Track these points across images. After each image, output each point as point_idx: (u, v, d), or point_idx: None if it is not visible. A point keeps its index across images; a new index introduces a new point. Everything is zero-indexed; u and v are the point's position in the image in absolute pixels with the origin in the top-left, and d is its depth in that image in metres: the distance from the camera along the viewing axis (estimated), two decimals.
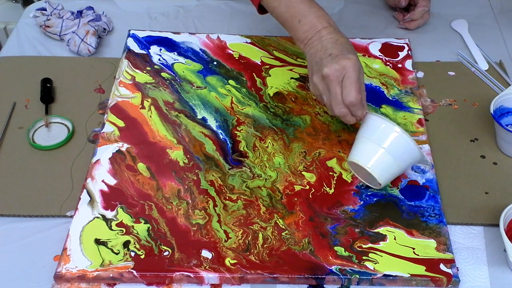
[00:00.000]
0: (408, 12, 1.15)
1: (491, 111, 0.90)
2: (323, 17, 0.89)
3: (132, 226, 0.79)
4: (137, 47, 1.07)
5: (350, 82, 0.82)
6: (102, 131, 0.92)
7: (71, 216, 0.81)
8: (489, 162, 0.91)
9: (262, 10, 0.97)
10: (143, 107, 0.96)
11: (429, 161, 0.84)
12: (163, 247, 0.77)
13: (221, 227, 0.80)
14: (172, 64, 1.04)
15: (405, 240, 0.79)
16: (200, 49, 1.07)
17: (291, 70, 1.04)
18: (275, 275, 0.75)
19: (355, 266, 0.76)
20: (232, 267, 0.75)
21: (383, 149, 0.81)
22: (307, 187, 0.85)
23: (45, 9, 1.13)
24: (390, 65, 1.05)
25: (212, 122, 0.94)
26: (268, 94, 0.99)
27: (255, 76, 1.02)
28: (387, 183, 0.84)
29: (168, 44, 1.08)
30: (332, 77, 0.83)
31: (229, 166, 0.87)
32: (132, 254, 0.76)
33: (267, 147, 0.90)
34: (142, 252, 0.77)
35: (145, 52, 1.06)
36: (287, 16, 0.91)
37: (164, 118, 0.94)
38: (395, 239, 0.79)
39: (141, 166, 0.87)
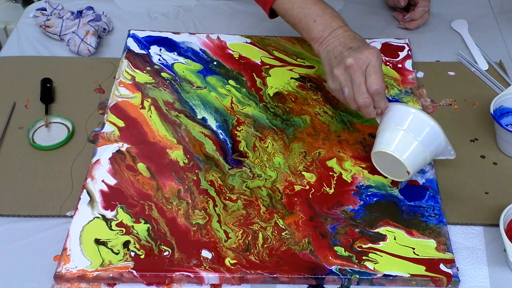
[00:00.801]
0: (408, 12, 1.15)
1: (491, 111, 0.90)
2: (337, 17, 0.91)
3: (132, 226, 0.79)
4: (137, 47, 1.07)
5: (374, 70, 0.83)
6: (102, 131, 0.92)
7: (71, 216, 0.81)
8: (489, 162, 0.91)
9: (272, 15, 0.98)
10: (143, 107, 0.96)
11: (453, 152, 0.83)
12: (163, 247, 0.77)
13: (221, 227, 0.80)
14: (172, 64, 1.04)
15: (405, 240, 0.79)
16: (200, 49, 1.07)
17: (291, 70, 1.04)
18: (275, 275, 0.75)
19: (355, 266, 0.76)
20: (232, 267, 0.75)
21: (417, 141, 0.81)
22: (307, 187, 0.85)
23: (45, 9, 1.13)
24: (390, 65, 1.05)
25: (212, 122, 0.94)
26: (268, 94, 0.99)
27: (255, 76, 1.02)
28: (407, 173, 0.83)
29: (168, 44, 1.08)
30: (356, 66, 0.83)
31: (229, 166, 0.87)
32: (132, 254, 0.76)
33: (267, 147, 0.90)
34: (142, 252, 0.77)
35: (145, 52, 1.06)
36: (301, 16, 0.92)
37: (164, 118, 0.94)
38: (395, 239, 0.79)
39: (141, 166, 0.87)
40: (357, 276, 0.75)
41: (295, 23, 0.94)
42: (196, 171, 0.87)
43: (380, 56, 0.85)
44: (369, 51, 0.84)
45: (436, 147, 0.82)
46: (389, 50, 1.08)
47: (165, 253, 0.77)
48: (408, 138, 0.81)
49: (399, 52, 1.08)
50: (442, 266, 0.76)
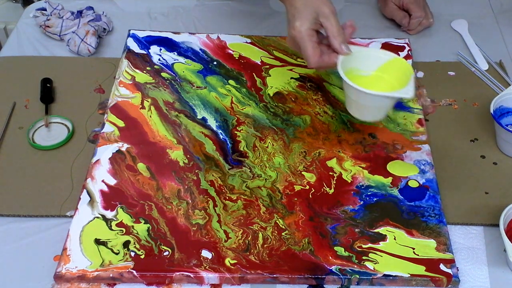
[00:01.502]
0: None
1: (491, 111, 0.90)
2: None
3: (132, 226, 0.79)
4: (137, 47, 1.07)
5: (302, 50, 0.86)
6: (102, 131, 0.92)
7: (71, 216, 0.81)
8: (489, 162, 0.91)
9: None
10: (143, 107, 0.96)
11: (411, 93, 0.82)
12: (163, 247, 0.77)
13: (221, 227, 0.80)
14: (172, 64, 1.04)
15: (405, 240, 0.79)
16: (200, 49, 1.07)
17: (291, 70, 1.04)
18: (275, 275, 0.75)
19: (355, 266, 0.76)
20: (232, 267, 0.75)
21: (354, 101, 0.85)
22: (307, 187, 0.85)
23: (45, 9, 1.13)
24: None
25: (212, 122, 0.94)
26: (268, 94, 0.99)
27: (255, 76, 1.02)
28: (380, 118, 0.89)
29: (168, 44, 1.08)
30: (293, 47, 0.88)
31: (229, 166, 0.87)
32: (132, 254, 0.76)
33: (267, 147, 0.90)
34: (142, 252, 0.77)
35: (145, 52, 1.06)
36: None
37: (164, 118, 0.94)
38: (395, 239, 0.79)
39: (141, 166, 0.87)
40: (357, 276, 0.75)
41: None
42: (196, 171, 0.87)
43: (303, 31, 0.85)
44: (291, 32, 0.86)
45: (377, 102, 0.84)
46: (389, 50, 1.07)
47: (165, 253, 0.77)
48: (350, 100, 0.87)
49: (399, 52, 1.08)
50: (442, 266, 0.76)
